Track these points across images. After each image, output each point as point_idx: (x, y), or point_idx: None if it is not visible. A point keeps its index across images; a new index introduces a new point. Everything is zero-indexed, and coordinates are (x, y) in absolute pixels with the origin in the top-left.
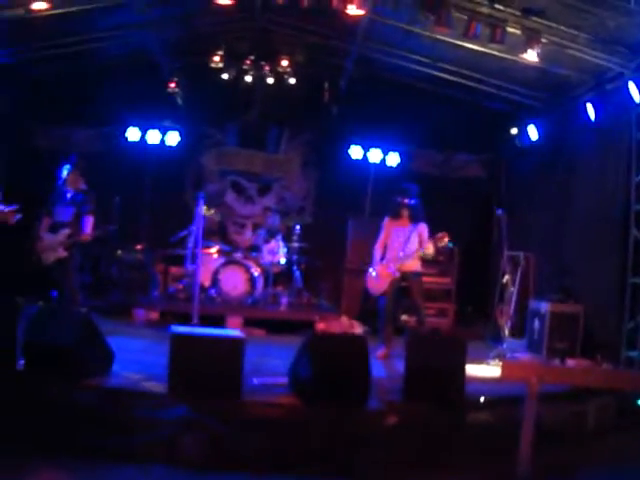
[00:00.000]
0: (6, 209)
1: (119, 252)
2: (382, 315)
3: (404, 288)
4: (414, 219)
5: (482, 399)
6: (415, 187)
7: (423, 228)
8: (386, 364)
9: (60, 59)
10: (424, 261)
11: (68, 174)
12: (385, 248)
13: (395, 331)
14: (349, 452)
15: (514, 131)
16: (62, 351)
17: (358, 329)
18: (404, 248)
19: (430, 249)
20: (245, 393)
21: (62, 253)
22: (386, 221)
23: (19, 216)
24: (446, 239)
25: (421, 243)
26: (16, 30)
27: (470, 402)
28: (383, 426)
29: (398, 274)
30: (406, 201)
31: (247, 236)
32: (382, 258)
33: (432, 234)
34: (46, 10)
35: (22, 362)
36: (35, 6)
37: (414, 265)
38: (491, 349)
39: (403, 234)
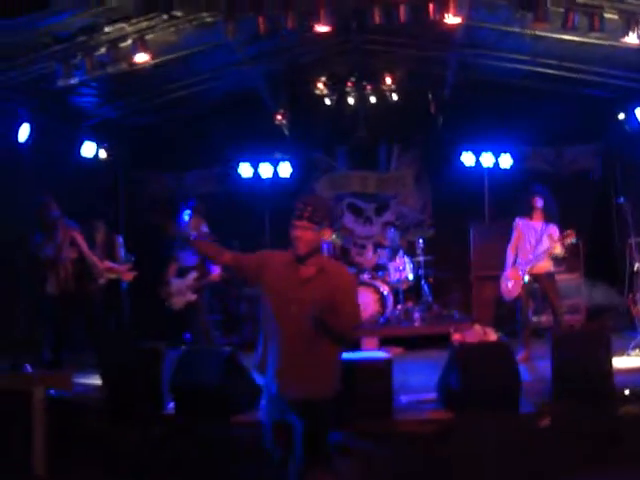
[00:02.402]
0: (121, 267)
1: (246, 288)
2: (519, 319)
3: (538, 290)
4: (547, 218)
5: (627, 391)
6: (544, 187)
7: (554, 230)
8: (528, 367)
9: (166, 105)
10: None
11: (190, 219)
12: (517, 250)
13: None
14: (511, 459)
15: (622, 116)
16: (211, 390)
17: (492, 336)
18: (534, 250)
19: (559, 249)
20: (396, 412)
21: (191, 296)
22: (517, 222)
23: (133, 273)
24: (573, 237)
25: (551, 243)
26: (120, 84)
27: (620, 395)
28: (538, 428)
29: (530, 277)
30: (538, 200)
31: (369, 256)
32: (514, 261)
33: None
34: (147, 61)
35: (171, 405)
36: (137, 59)
37: (546, 266)
38: (628, 340)
39: (534, 234)
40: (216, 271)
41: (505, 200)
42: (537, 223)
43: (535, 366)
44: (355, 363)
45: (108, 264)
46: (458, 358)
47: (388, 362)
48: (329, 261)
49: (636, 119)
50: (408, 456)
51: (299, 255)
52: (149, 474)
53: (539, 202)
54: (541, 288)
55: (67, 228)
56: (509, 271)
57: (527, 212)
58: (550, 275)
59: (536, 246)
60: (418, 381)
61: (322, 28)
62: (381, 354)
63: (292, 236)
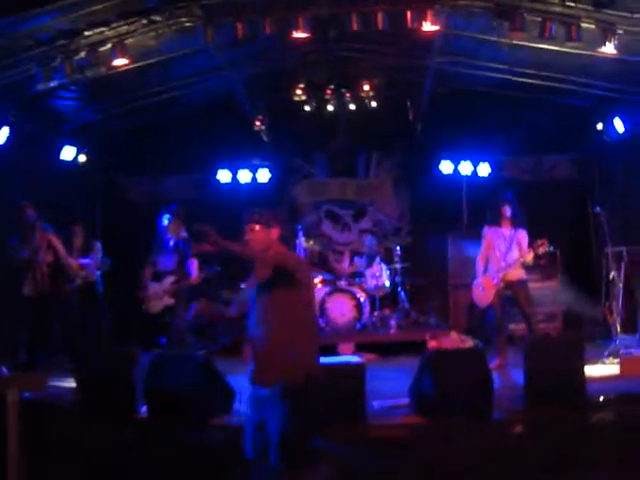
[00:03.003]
0: (91, 263)
1: (225, 292)
2: (493, 326)
3: (511, 297)
4: (515, 225)
5: (601, 398)
6: (511, 194)
7: (522, 235)
8: (502, 374)
9: (144, 110)
10: (527, 267)
11: (169, 223)
12: (487, 259)
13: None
14: (482, 465)
15: (600, 126)
16: (184, 394)
17: (468, 343)
18: (505, 258)
19: (530, 257)
20: (369, 417)
21: (169, 300)
22: (486, 231)
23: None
24: (545, 246)
25: (521, 251)
26: (98, 88)
27: (592, 402)
28: (511, 435)
29: (502, 284)
30: (507, 209)
31: (346, 263)
32: (485, 269)
33: (531, 239)
34: (126, 65)
35: (144, 409)
36: (116, 63)
37: (518, 274)
38: (603, 348)
39: (504, 242)
40: (195, 273)
41: (483, 208)
42: (506, 230)
43: (508, 373)
44: (327, 367)
45: (79, 262)
46: (430, 363)
47: (361, 366)
48: (282, 249)
49: (614, 128)
50: (382, 461)
51: (253, 254)
52: (122, 477)
53: (508, 211)
54: (513, 295)
55: (44, 232)
56: (482, 279)
57: (496, 220)
58: (522, 282)
59: (506, 253)
60: (391, 387)
61: (300, 34)
62: (354, 358)
63: (245, 241)
